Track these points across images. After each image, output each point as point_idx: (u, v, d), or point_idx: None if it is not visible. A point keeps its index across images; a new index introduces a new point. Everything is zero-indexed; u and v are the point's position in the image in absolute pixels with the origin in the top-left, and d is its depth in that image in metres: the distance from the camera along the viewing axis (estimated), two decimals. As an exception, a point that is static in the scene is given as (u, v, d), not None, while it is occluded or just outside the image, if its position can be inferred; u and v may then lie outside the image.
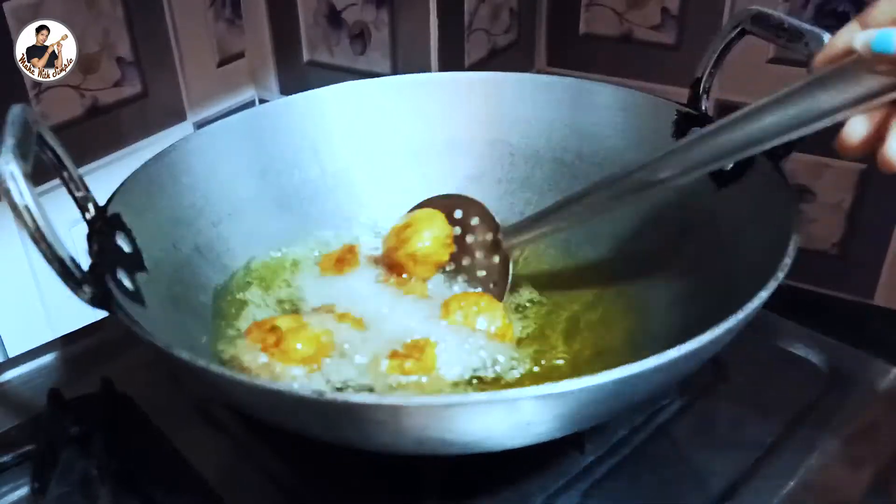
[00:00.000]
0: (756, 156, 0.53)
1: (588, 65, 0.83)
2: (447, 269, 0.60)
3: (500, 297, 0.58)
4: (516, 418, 0.38)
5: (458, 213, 0.61)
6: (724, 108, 0.76)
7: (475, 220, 0.61)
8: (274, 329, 0.50)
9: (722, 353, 0.44)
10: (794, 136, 0.42)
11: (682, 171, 0.48)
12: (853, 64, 0.38)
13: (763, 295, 0.41)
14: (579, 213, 0.54)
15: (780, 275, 0.42)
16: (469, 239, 0.60)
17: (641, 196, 0.51)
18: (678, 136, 0.59)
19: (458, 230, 0.61)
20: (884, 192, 0.72)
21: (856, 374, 0.55)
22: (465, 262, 0.60)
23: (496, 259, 0.59)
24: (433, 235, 0.58)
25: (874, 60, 0.37)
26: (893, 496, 0.48)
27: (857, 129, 0.39)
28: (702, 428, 0.52)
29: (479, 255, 0.60)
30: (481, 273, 0.60)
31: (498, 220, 0.60)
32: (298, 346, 0.49)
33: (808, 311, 0.60)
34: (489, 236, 0.60)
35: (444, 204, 0.61)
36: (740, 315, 0.40)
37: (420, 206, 0.62)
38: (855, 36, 0.37)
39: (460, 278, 0.60)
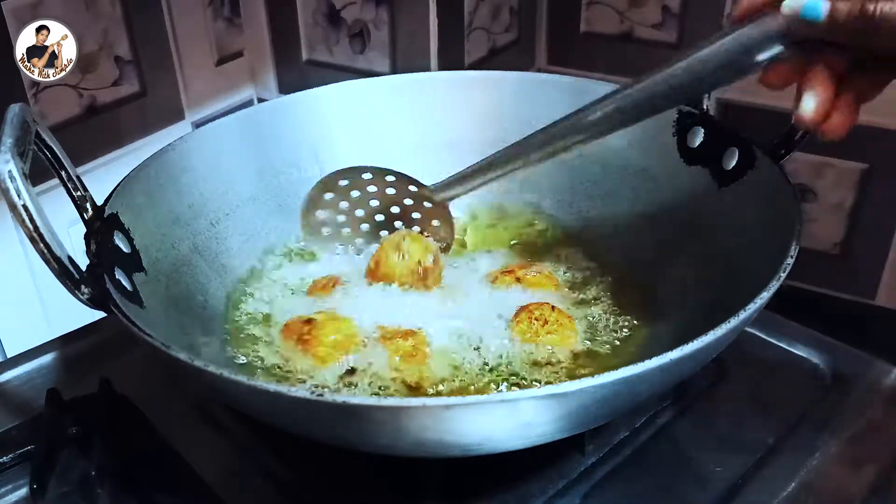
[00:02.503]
0: (757, 155, 0.53)
1: (589, 64, 0.83)
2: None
3: (450, 242, 0.62)
4: (516, 420, 0.38)
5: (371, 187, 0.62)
6: (726, 106, 0.76)
7: (390, 178, 0.62)
8: (310, 321, 0.52)
9: (723, 354, 0.44)
10: (708, 87, 0.46)
11: (608, 118, 0.49)
12: (767, 19, 0.40)
13: (765, 296, 0.41)
14: (509, 164, 0.55)
15: (782, 275, 0.42)
16: (397, 199, 0.62)
17: (569, 147, 0.52)
18: (679, 136, 0.59)
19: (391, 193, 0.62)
20: (885, 192, 0.72)
21: (857, 375, 0.55)
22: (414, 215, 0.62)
23: (434, 208, 0.61)
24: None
25: (800, 25, 0.38)
26: (894, 497, 0.47)
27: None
28: (703, 429, 0.52)
29: (416, 209, 0.62)
30: (425, 222, 0.62)
31: (500, 220, 0.61)
32: (332, 336, 0.51)
33: (810, 312, 0.60)
34: (412, 188, 0.61)
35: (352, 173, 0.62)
36: (742, 315, 0.39)
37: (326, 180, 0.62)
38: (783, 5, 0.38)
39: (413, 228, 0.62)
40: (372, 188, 0.62)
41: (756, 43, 0.40)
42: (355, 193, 0.62)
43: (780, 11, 0.39)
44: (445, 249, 0.62)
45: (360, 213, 0.63)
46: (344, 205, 0.62)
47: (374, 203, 0.63)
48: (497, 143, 0.66)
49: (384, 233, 0.63)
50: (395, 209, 0.63)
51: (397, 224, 0.63)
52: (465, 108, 0.67)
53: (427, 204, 0.61)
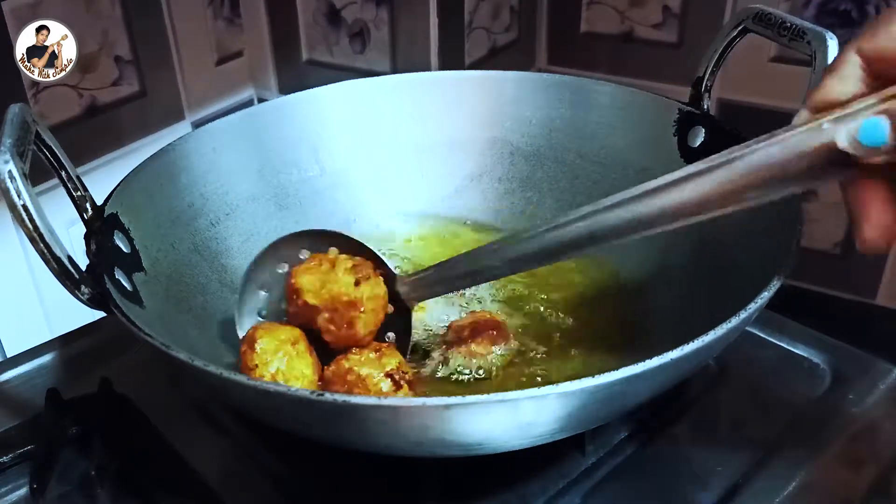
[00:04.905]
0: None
1: (589, 63, 0.83)
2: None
3: (404, 353, 0.50)
4: (517, 419, 0.38)
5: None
6: (727, 106, 0.76)
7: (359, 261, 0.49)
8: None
9: (724, 353, 0.44)
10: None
11: (592, 235, 0.43)
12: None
13: (766, 295, 0.41)
14: (480, 275, 0.48)
15: (783, 275, 0.42)
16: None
17: (550, 260, 0.46)
18: (680, 135, 0.59)
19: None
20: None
21: (857, 375, 0.55)
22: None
23: (393, 311, 0.50)
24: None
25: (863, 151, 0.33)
26: (895, 497, 0.47)
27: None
28: (703, 429, 0.52)
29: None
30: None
31: (500, 220, 0.60)
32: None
33: (810, 311, 0.59)
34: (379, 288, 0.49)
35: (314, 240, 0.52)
36: (743, 315, 0.39)
37: (284, 240, 0.53)
38: (836, 134, 0.33)
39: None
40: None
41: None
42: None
43: (837, 146, 0.33)
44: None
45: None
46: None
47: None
48: (497, 143, 0.67)
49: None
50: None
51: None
52: (466, 108, 0.67)
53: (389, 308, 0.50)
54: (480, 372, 0.51)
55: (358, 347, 0.48)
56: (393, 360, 0.47)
